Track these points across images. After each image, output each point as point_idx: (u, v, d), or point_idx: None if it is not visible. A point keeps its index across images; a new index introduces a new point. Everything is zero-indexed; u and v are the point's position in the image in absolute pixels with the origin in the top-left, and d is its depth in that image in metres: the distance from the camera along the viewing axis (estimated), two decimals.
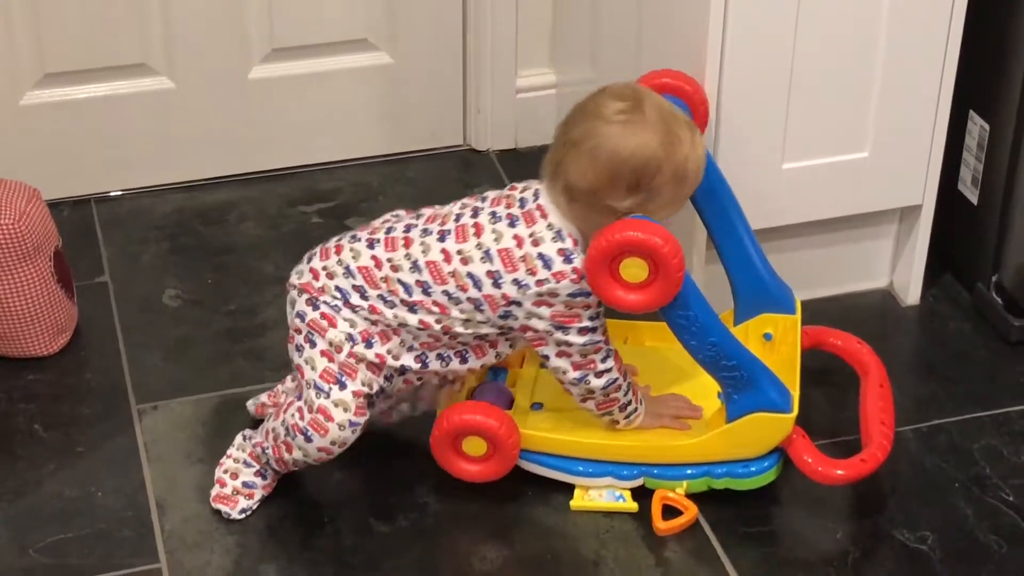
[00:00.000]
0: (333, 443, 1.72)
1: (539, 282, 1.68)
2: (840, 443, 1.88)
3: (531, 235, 1.68)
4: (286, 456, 1.76)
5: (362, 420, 1.73)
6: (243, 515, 1.78)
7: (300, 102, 2.39)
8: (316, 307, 1.74)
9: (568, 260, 1.67)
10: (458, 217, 1.73)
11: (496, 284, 1.69)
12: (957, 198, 2.14)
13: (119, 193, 2.37)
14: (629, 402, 1.78)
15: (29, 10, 2.21)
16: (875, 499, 1.84)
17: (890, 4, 1.93)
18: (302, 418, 1.73)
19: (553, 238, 1.68)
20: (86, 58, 2.28)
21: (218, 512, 1.80)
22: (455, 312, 1.71)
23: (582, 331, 1.71)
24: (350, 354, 1.72)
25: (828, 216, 2.07)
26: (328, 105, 2.40)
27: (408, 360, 1.74)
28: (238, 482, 1.80)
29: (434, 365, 1.75)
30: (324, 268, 1.76)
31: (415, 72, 2.42)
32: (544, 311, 1.69)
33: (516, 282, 1.68)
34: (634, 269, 1.64)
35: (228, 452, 1.84)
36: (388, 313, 1.72)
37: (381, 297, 1.72)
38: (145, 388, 1.99)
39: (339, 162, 2.45)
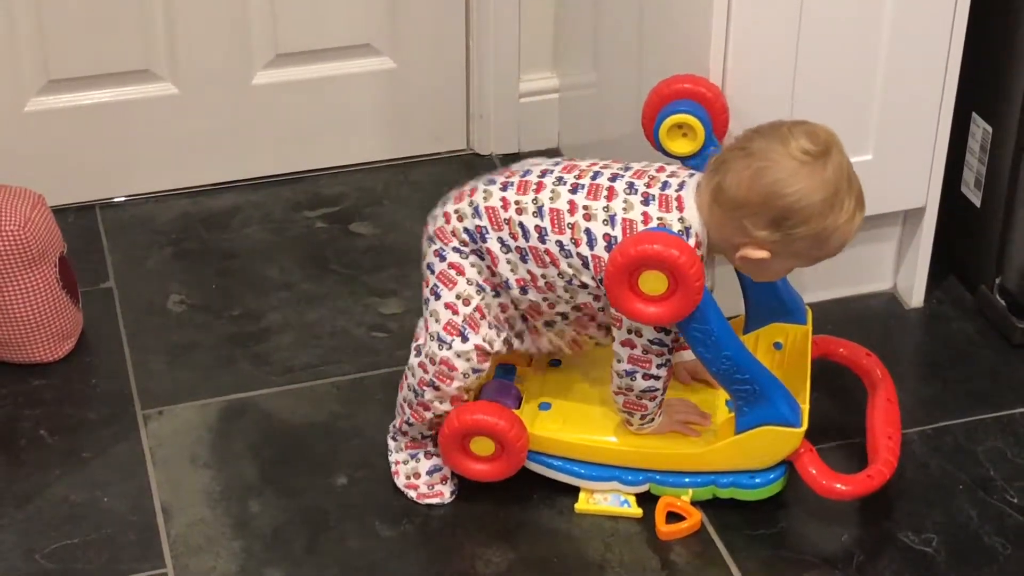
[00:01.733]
0: (460, 389, 1.75)
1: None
2: (845, 446, 1.88)
3: (659, 219, 1.68)
4: (427, 416, 1.78)
5: (485, 367, 1.75)
6: (454, 494, 1.82)
7: (304, 107, 2.39)
8: (443, 258, 1.75)
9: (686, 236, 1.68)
10: (596, 175, 1.72)
11: (608, 248, 1.68)
12: (960, 200, 2.14)
13: (124, 199, 2.38)
14: (653, 416, 1.78)
15: (33, 16, 2.22)
16: (880, 501, 1.84)
17: (892, 7, 1.93)
18: (426, 372, 1.75)
19: (680, 231, 1.67)
20: (90, 64, 2.28)
21: (225, 517, 1.80)
22: (563, 265, 1.70)
23: (656, 327, 1.70)
24: (477, 308, 1.73)
25: None
26: (332, 110, 2.41)
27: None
28: (425, 476, 1.83)
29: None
30: (456, 211, 1.75)
31: (418, 77, 2.43)
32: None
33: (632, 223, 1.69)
34: (653, 282, 1.63)
35: (393, 461, 1.85)
36: (501, 259, 1.71)
37: (500, 240, 1.71)
38: (150, 393, 1.99)
39: (343, 167, 2.45)
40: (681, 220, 1.67)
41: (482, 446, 1.78)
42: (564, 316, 1.75)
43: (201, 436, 1.93)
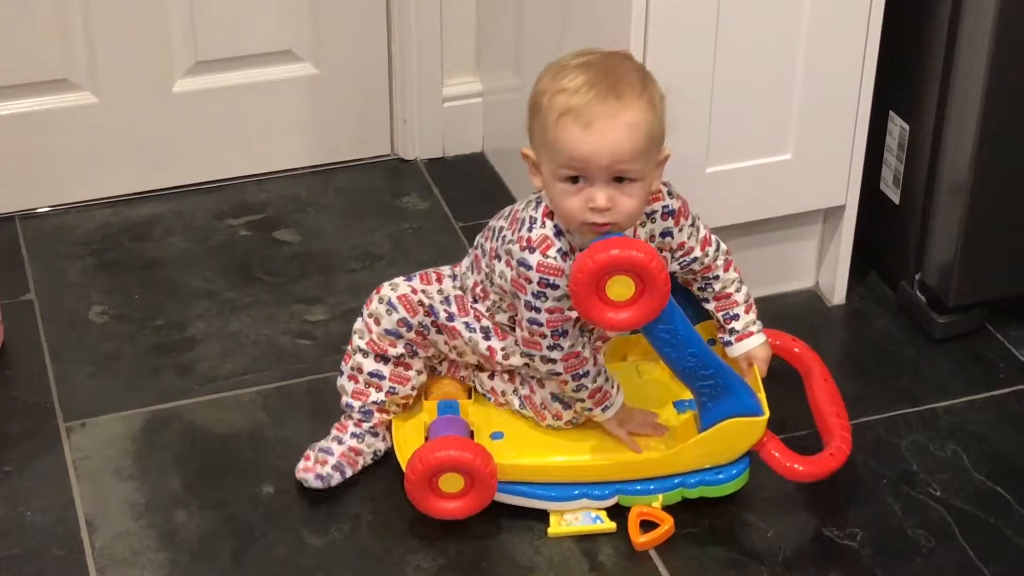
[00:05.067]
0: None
1: (509, 240, 1.72)
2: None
3: (530, 200, 1.73)
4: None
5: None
6: (321, 479, 1.83)
7: (225, 115, 2.38)
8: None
9: (529, 228, 1.69)
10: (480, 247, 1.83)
11: (497, 237, 1.75)
12: (879, 198, 2.17)
13: (45, 210, 2.35)
14: (582, 399, 1.78)
15: None
16: (804, 497, 1.86)
17: (810, 7, 1.95)
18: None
19: (535, 206, 1.71)
20: (8, 74, 2.25)
21: (151, 529, 1.79)
22: (480, 257, 1.79)
23: (527, 306, 1.70)
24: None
25: (753, 218, 2.09)
26: (254, 117, 2.39)
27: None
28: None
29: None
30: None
31: (341, 83, 2.42)
32: (508, 271, 1.72)
33: (503, 236, 1.74)
34: (620, 287, 1.62)
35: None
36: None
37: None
38: (73, 405, 1.97)
39: (266, 174, 2.44)
40: (539, 200, 1.71)
41: (451, 482, 1.75)
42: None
43: (125, 448, 1.91)
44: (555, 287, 1.68)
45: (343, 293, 2.19)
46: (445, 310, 1.80)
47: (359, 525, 1.80)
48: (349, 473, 1.83)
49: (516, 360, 1.79)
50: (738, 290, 1.85)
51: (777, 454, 1.78)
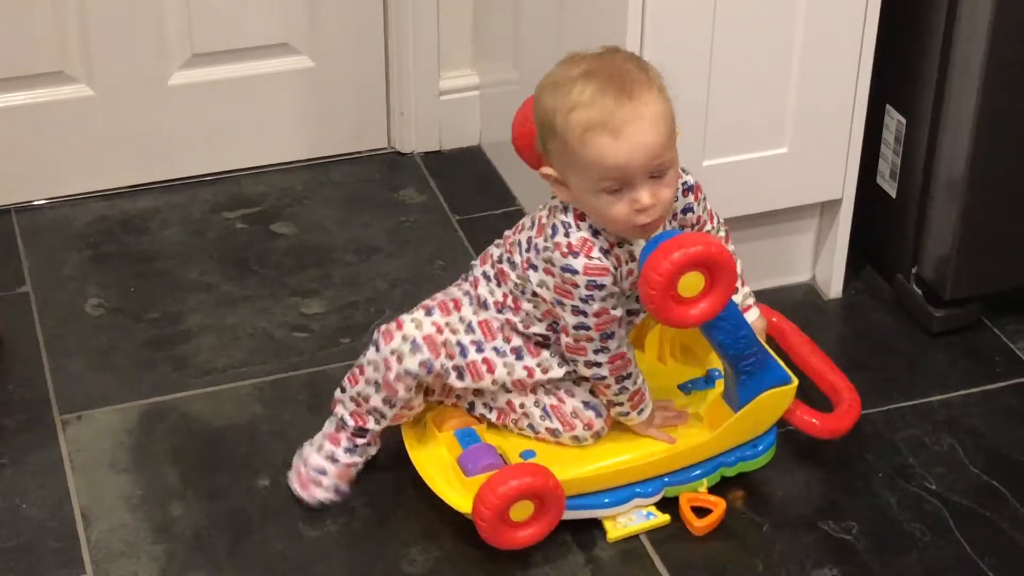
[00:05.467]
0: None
1: (544, 247, 1.69)
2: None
3: (554, 206, 1.72)
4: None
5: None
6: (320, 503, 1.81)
7: (221, 108, 2.37)
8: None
9: (566, 233, 1.68)
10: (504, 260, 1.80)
11: (528, 248, 1.73)
12: (876, 192, 2.16)
13: (41, 202, 2.35)
14: (621, 403, 1.77)
15: None
16: (800, 491, 1.86)
17: (807, 1, 1.95)
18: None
19: (563, 210, 1.70)
20: (3, 67, 2.25)
21: (147, 521, 1.79)
22: (508, 271, 1.75)
23: (574, 311, 1.69)
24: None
25: (749, 212, 2.09)
26: (250, 110, 2.39)
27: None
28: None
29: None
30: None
31: (337, 76, 2.42)
32: (549, 280, 1.70)
33: (535, 245, 1.71)
34: (691, 282, 1.62)
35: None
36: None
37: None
38: (69, 398, 1.97)
39: (262, 167, 2.44)
40: (566, 206, 1.69)
41: (521, 511, 1.71)
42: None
43: (121, 440, 1.91)
44: (601, 287, 1.67)
45: (340, 286, 2.19)
46: (472, 340, 1.76)
47: (355, 518, 1.80)
48: (346, 490, 1.81)
49: (556, 372, 1.76)
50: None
51: (813, 419, 1.82)
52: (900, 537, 1.80)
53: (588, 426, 1.78)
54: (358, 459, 1.81)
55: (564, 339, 1.73)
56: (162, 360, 2.04)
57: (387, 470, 1.84)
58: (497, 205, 2.36)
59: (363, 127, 2.48)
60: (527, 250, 1.73)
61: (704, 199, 1.79)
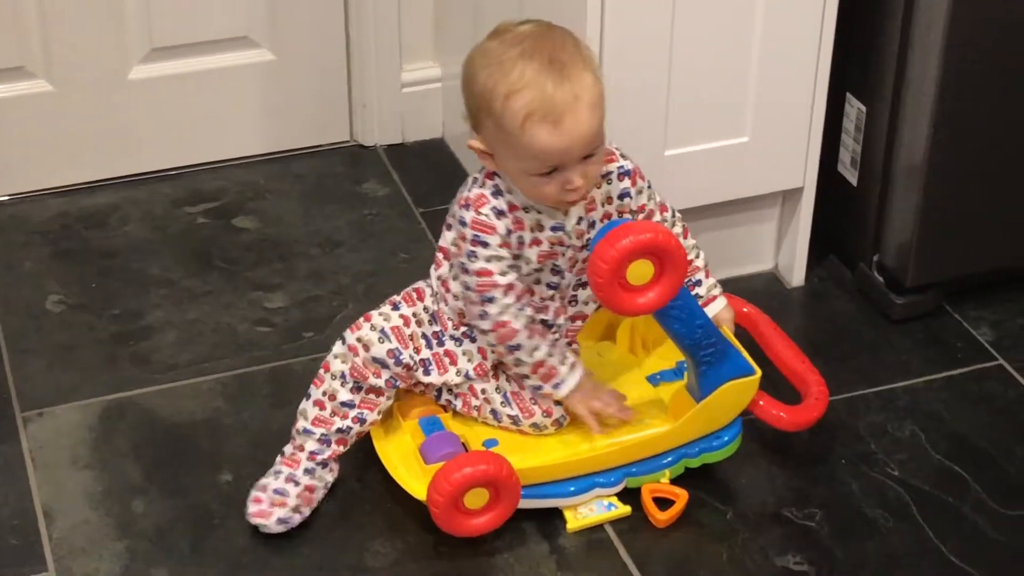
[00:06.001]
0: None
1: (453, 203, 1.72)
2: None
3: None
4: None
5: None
6: (282, 523, 1.76)
7: (182, 102, 2.36)
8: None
9: (469, 188, 1.70)
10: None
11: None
12: (837, 180, 2.17)
13: (1, 199, 2.33)
14: (527, 376, 1.75)
15: None
16: (763, 478, 1.86)
17: None
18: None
19: (480, 169, 1.71)
20: None
21: (109, 518, 1.78)
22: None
23: (461, 268, 1.71)
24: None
25: (712, 201, 2.09)
26: (211, 104, 2.38)
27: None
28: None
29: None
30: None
31: (299, 69, 2.41)
32: (450, 235, 1.73)
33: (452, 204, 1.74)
34: (640, 270, 1.62)
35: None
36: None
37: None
38: (30, 395, 1.96)
39: (224, 161, 2.43)
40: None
41: (476, 499, 1.71)
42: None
43: (83, 437, 1.90)
44: (485, 245, 1.68)
45: (302, 280, 2.18)
46: (434, 332, 1.77)
47: (318, 513, 1.80)
48: (307, 513, 1.78)
49: (501, 347, 1.76)
50: (697, 256, 1.85)
51: (779, 412, 1.82)
52: (863, 523, 1.80)
53: (547, 413, 1.78)
54: (317, 482, 1.78)
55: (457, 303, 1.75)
56: (124, 356, 2.03)
57: (350, 464, 1.84)
58: None
59: (325, 120, 2.47)
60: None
61: (649, 188, 1.79)
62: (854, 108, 2.11)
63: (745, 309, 1.97)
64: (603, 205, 1.75)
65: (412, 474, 1.75)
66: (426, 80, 2.47)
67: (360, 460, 1.83)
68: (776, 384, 1.91)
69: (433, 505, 1.70)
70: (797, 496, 1.84)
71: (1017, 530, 1.79)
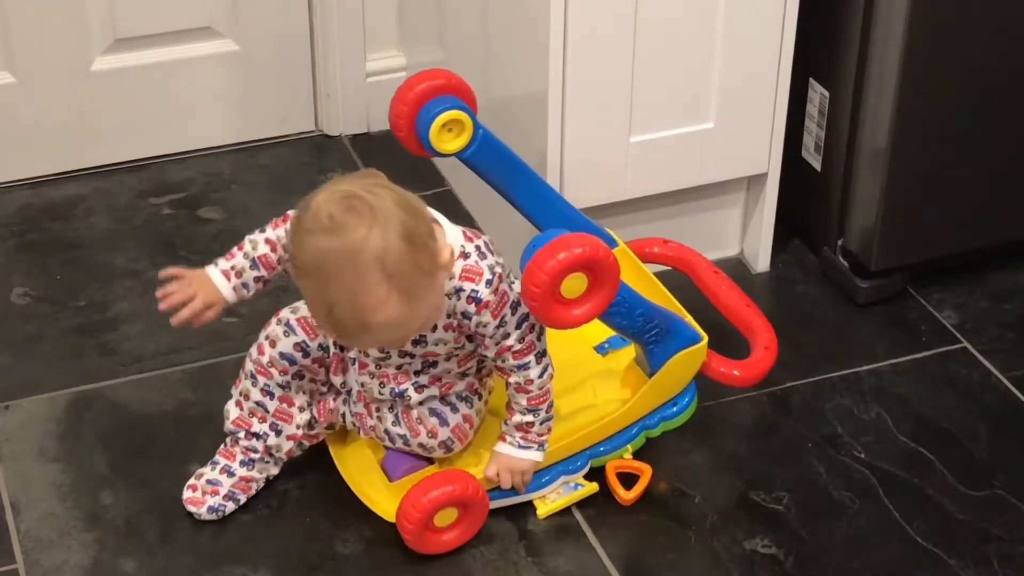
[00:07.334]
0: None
1: None
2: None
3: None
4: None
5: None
6: (215, 511, 1.76)
7: (146, 93, 2.35)
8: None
9: None
10: None
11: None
12: (801, 165, 2.18)
13: None
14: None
15: None
16: (731, 462, 1.87)
17: None
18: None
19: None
20: None
21: (77, 510, 1.77)
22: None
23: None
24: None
25: (677, 187, 2.10)
26: (175, 95, 2.37)
27: None
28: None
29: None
30: None
31: (262, 58, 2.40)
32: None
33: None
34: (573, 283, 1.60)
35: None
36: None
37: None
38: None
39: (189, 152, 2.42)
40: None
41: (445, 517, 1.70)
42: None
43: (49, 429, 1.89)
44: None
45: None
46: None
47: (287, 501, 1.80)
48: (243, 500, 1.77)
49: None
50: (522, 413, 1.71)
51: (723, 368, 1.83)
52: (830, 505, 1.82)
53: (432, 434, 1.73)
54: (256, 473, 1.77)
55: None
56: (90, 348, 2.02)
57: (317, 451, 1.84)
58: (427, 187, 2.35)
59: (290, 110, 2.46)
60: None
61: (507, 329, 1.65)
62: (817, 93, 2.12)
63: (680, 251, 2.00)
64: (448, 316, 1.65)
65: (377, 491, 1.75)
66: (391, 69, 2.47)
67: (327, 448, 1.83)
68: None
69: (404, 532, 1.70)
70: (764, 479, 1.85)
71: (982, 510, 1.81)
